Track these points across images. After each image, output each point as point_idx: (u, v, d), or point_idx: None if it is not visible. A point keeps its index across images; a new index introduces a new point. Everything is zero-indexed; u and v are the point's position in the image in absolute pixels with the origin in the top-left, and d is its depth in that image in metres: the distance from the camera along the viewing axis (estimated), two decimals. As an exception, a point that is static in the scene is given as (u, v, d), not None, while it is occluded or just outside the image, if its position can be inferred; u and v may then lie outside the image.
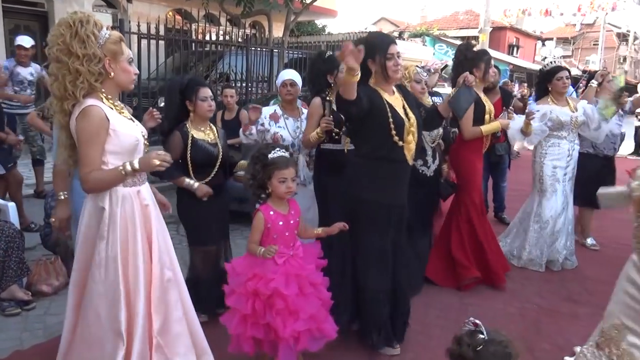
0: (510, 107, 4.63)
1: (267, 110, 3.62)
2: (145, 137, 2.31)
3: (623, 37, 40.60)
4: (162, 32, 7.49)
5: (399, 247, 2.95)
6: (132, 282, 2.15)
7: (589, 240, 5.07)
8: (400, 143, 2.78)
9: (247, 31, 9.64)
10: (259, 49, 9.18)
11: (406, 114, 2.85)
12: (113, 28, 2.32)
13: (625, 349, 2.00)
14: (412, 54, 16.14)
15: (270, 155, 2.49)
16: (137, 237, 2.16)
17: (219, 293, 3.25)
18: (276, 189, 2.50)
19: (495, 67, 5.78)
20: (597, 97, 4.46)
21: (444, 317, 3.40)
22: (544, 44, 33.31)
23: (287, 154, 2.55)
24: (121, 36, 2.19)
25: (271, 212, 2.51)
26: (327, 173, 3.45)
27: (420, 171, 3.67)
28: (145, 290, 2.17)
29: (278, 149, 2.54)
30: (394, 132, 2.74)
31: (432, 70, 4.30)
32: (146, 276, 2.19)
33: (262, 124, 3.57)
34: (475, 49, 4.02)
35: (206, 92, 3.10)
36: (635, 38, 42.22)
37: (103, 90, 2.13)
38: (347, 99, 2.54)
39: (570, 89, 5.10)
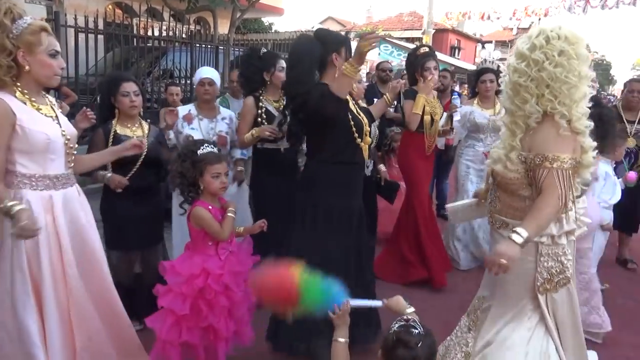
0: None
1: (181, 111, 3.50)
2: (69, 137, 2.16)
3: (555, 42, 42.82)
4: (101, 26, 7.20)
5: (360, 249, 2.87)
6: (47, 298, 2.02)
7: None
8: (362, 144, 2.73)
9: (192, 27, 9.44)
10: (203, 45, 9.00)
11: (359, 114, 2.80)
12: (48, 21, 2.18)
13: (479, 314, 2.37)
14: (358, 54, 16.35)
15: (199, 152, 2.43)
16: (42, 245, 2.02)
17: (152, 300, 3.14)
18: (210, 185, 2.43)
19: (447, 70, 5.95)
20: None
21: (388, 312, 3.47)
22: (483, 47, 34.58)
23: (215, 149, 2.51)
24: (44, 26, 2.02)
25: (210, 207, 2.46)
26: (266, 172, 3.42)
27: None
28: (58, 307, 2.05)
29: (206, 144, 2.48)
30: (356, 134, 2.68)
31: None
32: (56, 288, 2.06)
33: (177, 125, 3.46)
34: (422, 50, 4.04)
35: (128, 86, 2.91)
36: (566, 42, 44.59)
37: (19, 84, 1.98)
38: (340, 97, 2.46)
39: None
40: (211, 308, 2.37)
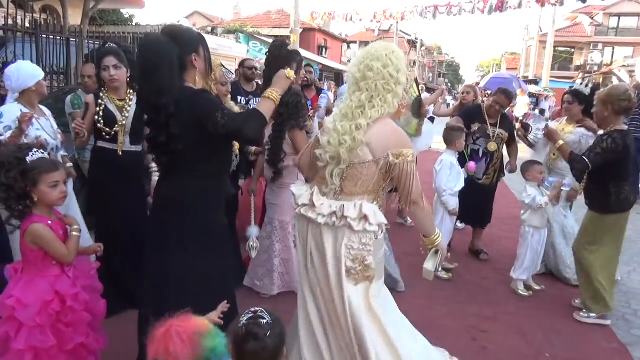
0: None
1: (12, 113, 3.02)
2: None
3: (412, 44, 46.49)
4: None
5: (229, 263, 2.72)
6: None
7: (399, 220, 5.80)
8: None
9: (37, 16, 8.51)
10: (52, 36, 8.17)
11: None
12: None
13: None
14: (226, 51, 16.12)
15: (29, 159, 2.13)
16: None
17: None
18: (47, 196, 2.15)
19: (310, 66, 6.13)
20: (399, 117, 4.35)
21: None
22: (349, 47, 36.31)
23: (46, 155, 2.25)
24: None
25: (49, 222, 2.18)
26: (103, 172, 3.27)
27: None
28: None
29: (35, 150, 2.19)
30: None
31: None
32: None
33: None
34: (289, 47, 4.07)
35: None
36: (422, 45, 48.84)
37: None
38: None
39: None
40: (74, 327, 2.18)
